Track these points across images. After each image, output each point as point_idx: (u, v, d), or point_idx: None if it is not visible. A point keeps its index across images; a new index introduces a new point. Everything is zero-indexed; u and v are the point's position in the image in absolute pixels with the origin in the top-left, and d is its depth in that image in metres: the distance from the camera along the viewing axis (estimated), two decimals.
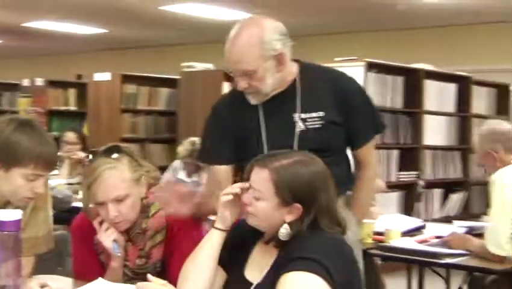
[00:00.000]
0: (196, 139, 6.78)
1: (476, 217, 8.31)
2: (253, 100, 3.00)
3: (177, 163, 7.02)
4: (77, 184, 6.76)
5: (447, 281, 5.10)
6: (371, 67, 7.19)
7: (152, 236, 2.84)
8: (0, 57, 16.74)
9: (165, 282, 2.33)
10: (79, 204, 5.71)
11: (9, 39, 14.22)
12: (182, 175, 6.93)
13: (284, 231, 2.37)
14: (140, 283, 2.31)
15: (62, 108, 10.38)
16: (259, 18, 2.96)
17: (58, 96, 10.39)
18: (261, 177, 2.39)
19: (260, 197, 2.38)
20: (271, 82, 2.93)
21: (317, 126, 2.98)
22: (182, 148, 6.73)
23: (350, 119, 3.05)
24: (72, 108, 10.50)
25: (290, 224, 2.37)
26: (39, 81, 10.32)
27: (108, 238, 2.77)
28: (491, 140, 3.93)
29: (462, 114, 8.37)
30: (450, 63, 9.88)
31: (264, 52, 2.87)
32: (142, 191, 2.82)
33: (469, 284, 4.75)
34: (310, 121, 2.98)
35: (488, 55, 10.51)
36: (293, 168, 2.38)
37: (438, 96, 8.04)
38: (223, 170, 3.15)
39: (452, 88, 8.27)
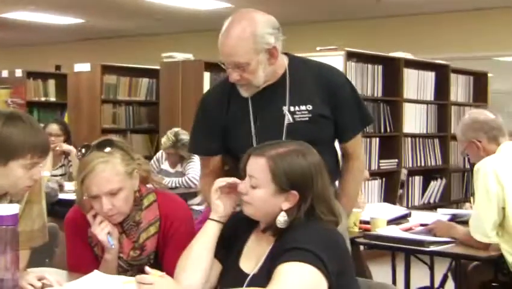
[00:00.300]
0: (179, 130, 6.82)
1: (456, 203, 8.46)
2: (244, 93, 3.03)
3: (160, 154, 7.05)
4: (60, 176, 6.78)
5: (431, 268, 5.17)
6: (350, 56, 7.23)
7: (145, 229, 2.87)
8: None
9: (163, 273, 2.37)
10: (65, 196, 5.79)
11: None
12: (165, 166, 6.97)
13: (281, 219, 2.42)
14: (139, 276, 2.35)
15: (42, 99, 10.35)
16: (253, 11, 2.99)
17: (38, 87, 10.35)
18: (258, 165, 2.45)
19: (257, 184, 2.44)
20: (263, 75, 2.97)
21: (305, 119, 3.02)
22: (166, 139, 6.75)
23: (338, 113, 3.08)
24: (52, 99, 10.46)
25: (286, 211, 2.42)
26: (18, 72, 10.27)
27: (102, 231, 2.80)
28: (474, 129, 3.99)
29: (441, 102, 8.45)
30: (428, 51, 9.97)
31: (256, 46, 2.91)
32: (135, 184, 2.85)
33: (452, 271, 4.84)
34: (299, 114, 3.02)
35: (465, 43, 10.60)
36: (290, 156, 2.44)
37: (417, 84, 8.11)
38: (213, 161, 3.20)
39: (430, 76, 8.34)
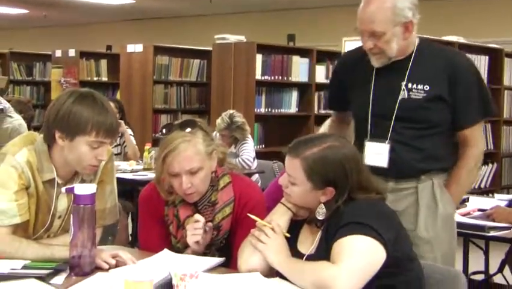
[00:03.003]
0: (234, 112, 6.86)
1: (507, 188, 8.40)
2: (375, 62, 3.15)
3: (214, 135, 7.09)
4: (116, 155, 6.88)
5: (486, 253, 5.17)
6: None
7: (221, 209, 2.93)
8: (30, 27, 16.83)
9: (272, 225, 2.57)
10: (120, 175, 5.88)
11: (38, 9, 14.27)
12: None
13: (320, 210, 2.55)
14: (255, 230, 2.60)
15: (94, 78, 10.50)
16: None
17: (90, 67, 10.49)
18: (293, 165, 2.55)
19: (294, 182, 2.56)
20: (396, 47, 3.09)
21: (419, 97, 3.10)
22: (220, 120, 6.80)
23: (457, 98, 3.12)
24: (104, 78, 10.61)
25: (324, 203, 2.54)
26: (71, 52, 10.41)
27: (191, 238, 2.84)
28: None
29: (494, 86, 8.36)
30: (481, 35, 9.86)
31: (395, 17, 3.03)
32: (213, 165, 2.91)
33: (507, 255, 4.84)
34: (415, 92, 3.11)
35: None
36: (323, 155, 2.52)
37: None
38: (338, 114, 3.59)
39: (484, 60, 8.25)
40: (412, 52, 3.16)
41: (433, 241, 3.13)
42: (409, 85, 3.11)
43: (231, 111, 6.91)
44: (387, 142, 3.13)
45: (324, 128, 4.31)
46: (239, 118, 6.78)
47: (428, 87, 3.10)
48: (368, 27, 3.06)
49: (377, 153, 3.14)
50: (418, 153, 3.14)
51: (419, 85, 3.11)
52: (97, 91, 2.87)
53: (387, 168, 3.13)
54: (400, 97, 3.12)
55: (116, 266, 2.66)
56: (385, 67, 3.15)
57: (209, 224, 2.87)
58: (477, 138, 3.25)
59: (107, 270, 2.62)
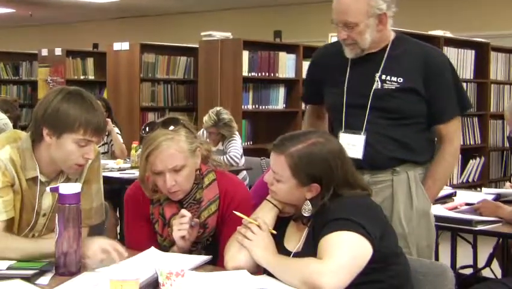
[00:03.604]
0: (221, 109, 6.85)
1: (494, 182, 8.43)
2: (349, 53, 3.19)
3: (201, 132, 7.08)
4: (103, 154, 6.86)
5: (474, 247, 5.18)
6: None
7: (206, 207, 2.92)
8: (16, 27, 16.75)
9: (258, 221, 2.58)
10: (108, 174, 5.86)
11: (24, 8, 14.21)
12: None
13: (306, 207, 2.55)
14: (242, 227, 2.61)
15: (81, 77, 10.47)
16: None
17: (77, 66, 10.46)
18: (278, 162, 2.55)
19: (279, 179, 2.56)
20: (369, 39, 3.12)
21: (392, 87, 3.14)
22: (207, 118, 6.78)
23: (434, 94, 3.16)
24: (91, 77, 10.58)
25: (310, 200, 2.54)
26: (57, 51, 10.37)
27: (178, 232, 2.82)
28: None
29: (481, 80, 8.39)
30: (467, 29, 9.88)
31: (369, 9, 3.07)
32: (197, 162, 2.91)
33: (495, 249, 4.86)
34: (388, 83, 3.15)
35: (505, 20, 10.48)
36: (308, 151, 2.52)
37: (457, 63, 8.05)
38: (314, 108, 3.62)
39: (470, 54, 8.27)
40: (387, 45, 3.20)
41: (408, 236, 3.14)
42: (383, 77, 3.16)
43: (218, 108, 6.90)
44: (362, 133, 3.16)
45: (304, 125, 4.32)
46: (226, 115, 6.77)
47: (402, 80, 3.14)
48: (342, 18, 3.10)
49: (352, 145, 3.16)
50: (392, 143, 3.17)
51: (393, 77, 3.15)
52: (85, 90, 2.85)
53: (362, 159, 3.14)
54: (374, 88, 3.15)
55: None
56: (360, 59, 3.19)
57: (196, 219, 2.87)
58: (453, 133, 3.28)
59: (93, 269, 2.60)
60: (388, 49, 3.19)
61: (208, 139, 6.93)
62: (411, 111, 3.18)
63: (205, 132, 6.88)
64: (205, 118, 6.81)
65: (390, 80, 3.14)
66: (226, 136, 6.87)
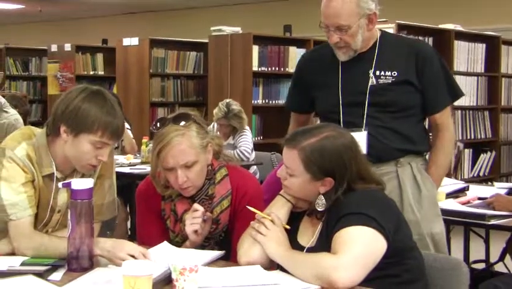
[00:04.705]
0: (230, 101, 6.86)
1: (506, 176, 8.40)
2: (342, 57, 3.21)
3: (211, 127, 7.06)
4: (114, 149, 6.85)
5: (487, 242, 5.16)
6: (401, 28, 7.16)
7: (219, 202, 2.91)
8: (26, 22, 16.77)
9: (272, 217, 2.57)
10: (118, 169, 5.85)
11: (34, 4, 14.22)
12: None
13: (320, 202, 2.54)
14: (255, 223, 2.60)
15: (91, 72, 10.48)
16: None
17: (86, 61, 10.47)
18: (290, 156, 2.53)
19: (292, 173, 2.54)
20: (361, 39, 3.14)
21: (388, 81, 3.18)
22: (217, 110, 6.78)
23: (426, 84, 3.22)
24: (100, 72, 10.60)
25: (324, 195, 2.52)
26: (67, 46, 10.38)
27: (190, 227, 2.82)
28: None
29: (492, 74, 8.35)
30: (478, 22, 9.84)
31: (359, 10, 3.09)
32: (209, 158, 2.89)
33: (508, 244, 4.83)
34: (383, 78, 3.18)
35: None
36: (320, 145, 2.50)
37: (468, 56, 8.03)
38: (299, 116, 3.59)
39: (481, 48, 8.24)
40: (376, 43, 3.23)
41: (421, 223, 3.18)
42: (377, 73, 3.20)
43: (228, 100, 6.91)
44: (363, 129, 3.18)
45: None
46: (236, 106, 6.79)
47: (396, 73, 3.19)
48: (333, 22, 3.11)
49: None
50: (394, 135, 3.22)
51: (387, 72, 3.19)
52: (107, 90, 2.83)
53: (366, 154, 3.13)
54: (369, 84, 3.18)
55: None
56: (350, 60, 3.21)
57: (208, 213, 2.86)
58: (448, 121, 3.36)
59: (106, 265, 2.60)
60: (377, 45, 3.23)
61: (218, 133, 6.93)
62: (408, 103, 3.23)
63: (215, 125, 6.86)
64: (215, 110, 6.81)
65: (385, 75, 3.18)
66: (236, 130, 6.85)
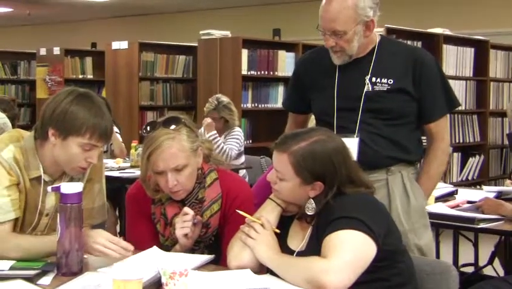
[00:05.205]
0: (220, 94, 6.91)
1: (494, 180, 8.43)
2: (336, 60, 3.19)
3: (202, 129, 7.02)
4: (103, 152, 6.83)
5: (476, 245, 5.17)
6: (390, 32, 7.17)
7: (209, 206, 2.90)
8: (15, 26, 16.73)
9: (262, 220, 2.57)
10: (107, 173, 5.83)
11: (22, 7, 14.18)
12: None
13: (310, 206, 2.53)
14: (245, 227, 2.60)
15: (80, 76, 10.45)
16: None
17: (75, 65, 10.44)
18: (281, 160, 2.54)
19: (282, 178, 2.54)
20: (356, 45, 3.12)
21: (384, 89, 3.14)
22: (208, 104, 6.84)
23: (423, 93, 3.18)
24: (89, 76, 10.57)
25: (314, 199, 2.52)
26: (56, 50, 10.35)
27: (180, 231, 2.82)
28: None
29: (480, 78, 8.39)
30: (466, 27, 9.88)
31: (356, 16, 3.06)
32: (199, 161, 2.89)
33: (497, 247, 4.84)
34: (379, 85, 3.15)
35: (504, 18, 10.46)
36: (311, 149, 2.51)
37: (456, 60, 8.06)
38: (297, 117, 3.57)
39: (469, 52, 8.27)
40: (374, 48, 3.21)
41: (408, 233, 3.14)
42: (373, 79, 3.16)
43: (217, 95, 6.95)
44: (355, 135, 3.15)
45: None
46: (225, 98, 6.84)
47: (392, 81, 3.15)
48: (330, 26, 3.08)
49: None
50: (387, 143, 3.18)
51: (383, 79, 3.15)
52: (95, 93, 2.82)
53: (357, 161, 3.12)
54: (365, 90, 3.15)
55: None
56: (348, 63, 3.19)
57: (198, 217, 2.85)
58: (443, 131, 3.32)
59: (95, 269, 2.59)
60: (375, 51, 3.20)
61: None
62: (403, 111, 3.19)
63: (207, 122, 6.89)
64: (206, 105, 6.85)
65: (381, 82, 3.15)
66: (228, 125, 6.82)
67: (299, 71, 3.45)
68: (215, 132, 6.64)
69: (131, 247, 2.65)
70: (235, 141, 6.77)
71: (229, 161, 6.57)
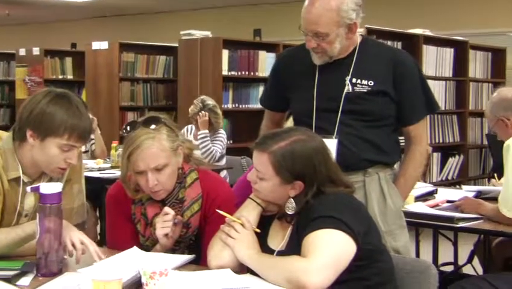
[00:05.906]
0: (204, 96, 6.90)
1: (474, 180, 8.48)
2: (317, 61, 3.17)
3: (185, 129, 7.02)
4: (83, 153, 6.80)
5: (455, 244, 5.20)
6: (370, 33, 7.18)
7: (189, 206, 2.90)
8: None
9: (242, 220, 2.57)
10: (88, 174, 5.82)
11: (1, 7, 14.09)
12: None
13: (290, 205, 2.55)
14: (225, 226, 2.60)
15: (60, 77, 10.40)
16: None
17: (55, 65, 10.39)
18: (261, 160, 2.55)
19: (263, 177, 2.55)
20: (338, 47, 3.10)
21: (364, 90, 3.13)
22: (193, 106, 6.84)
23: (403, 95, 3.18)
24: (69, 76, 10.52)
25: (294, 198, 2.54)
26: (35, 50, 10.29)
27: (161, 230, 2.81)
28: (503, 107, 4.00)
29: (460, 78, 8.44)
30: (446, 27, 9.93)
31: (339, 19, 3.05)
32: (179, 161, 2.89)
33: (476, 246, 4.87)
34: (359, 86, 3.14)
35: (484, 19, 10.53)
36: (291, 149, 2.52)
37: (436, 61, 8.10)
38: (276, 115, 3.55)
39: (449, 52, 8.32)
40: (355, 49, 3.20)
41: (385, 235, 3.13)
42: (354, 80, 3.15)
43: (202, 96, 6.94)
44: (334, 137, 3.15)
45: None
46: (211, 101, 6.83)
47: (372, 83, 3.14)
48: (312, 28, 3.07)
49: None
50: (365, 144, 3.17)
51: (363, 80, 3.14)
52: (72, 93, 2.81)
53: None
54: (345, 91, 3.14)
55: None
56: (329, 64, 3.18)
57: (179, 217, 2.85)
58: (422, 134, 3.32)
59: (75, 269, 2.58)
60: (356, 52, 3.19)
61: (191, 135, 6.89)
62: (382, 113, 3.18)
63: (193, 128, 6.87)
64: (191, 107, 6.85)
65: (361, 84, 3.13)
66: (213, 127, 6.82)
67: (279, 68, 3.43)
68: (207, 130, 6.68)
69: (101, 256, 2.65)
70: (218, 143, 6.79)
71: (213, 162, 6.58)
